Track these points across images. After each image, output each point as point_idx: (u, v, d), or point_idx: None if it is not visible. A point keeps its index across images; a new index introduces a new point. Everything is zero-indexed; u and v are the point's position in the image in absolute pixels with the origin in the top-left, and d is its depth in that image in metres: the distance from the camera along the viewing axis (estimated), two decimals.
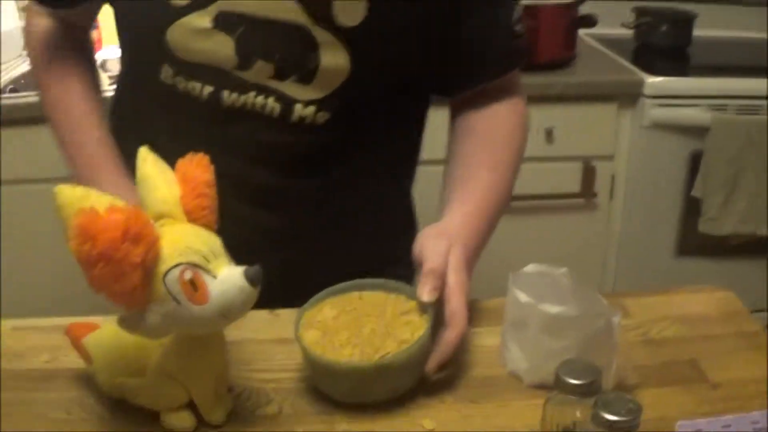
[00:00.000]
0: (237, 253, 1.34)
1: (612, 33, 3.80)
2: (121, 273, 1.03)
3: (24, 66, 3.60)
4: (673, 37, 3.77)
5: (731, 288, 1.63)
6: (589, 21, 3.53)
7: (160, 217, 1.14)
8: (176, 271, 1.08)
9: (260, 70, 1.50)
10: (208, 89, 1.52)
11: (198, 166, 1.19)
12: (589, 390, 1.07)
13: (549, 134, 3.31)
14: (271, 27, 1.47)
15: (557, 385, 1.09)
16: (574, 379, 1.07)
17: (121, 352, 1.26)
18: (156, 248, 1.07)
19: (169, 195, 1.15)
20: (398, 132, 1.73)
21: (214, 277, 1.10)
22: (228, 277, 1.11)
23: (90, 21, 1.83)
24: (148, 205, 1.15)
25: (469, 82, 1.66)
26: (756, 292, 3.34)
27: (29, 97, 3.19)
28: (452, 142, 1.69)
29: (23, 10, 3.72)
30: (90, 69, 1.77)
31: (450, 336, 1.32)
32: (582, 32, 3.72)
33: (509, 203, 1.65)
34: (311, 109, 1.52)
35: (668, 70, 3.43)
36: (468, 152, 1.64)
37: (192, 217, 1.17)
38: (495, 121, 1.66)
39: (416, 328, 1.32)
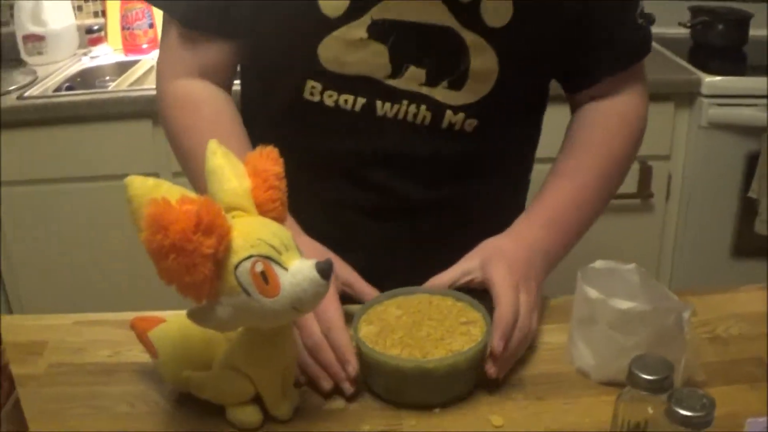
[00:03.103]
0: (370, 254, 1.46)
1: (669, 32, 3.76)
2: (193, 264, 1.03)
3: (79, 65, 3.63)
4: (729, 36, 3.74)
5: None
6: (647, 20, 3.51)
7: (230, 209, 1.15)
8: (247, 263, 1.08)
9: (412, 77, 1.51)
10: (361, 101, 1.53)
11: (268, 158, 1.19)
12: (662, 386, 1.06)
13: None
14: (422, 31, 1.48)
15: (630, 380, 1.08)
16: (648, 374, 1.06)
17: (187, 345, 1.27)
18: (228, 240, 1.07)
19: (239, 187, 1.16)
20: (525, 138, 1.76)
21: (286, 269, 1.10)
22: (299, 269, 1.11)
23: (231, 68, 1.67)
24: (218, 197, 1.16)
25: (594, 77, 1.66)
26: None
27: (86, 95, 3.22)
28: (561, 147, 1.71)
29: (78, 8, 3.76)
30: (236, 115, 1.65)
31: (500, 310, 1.33)
32: None
33: (603, 204, 1.66)
34: (461, 116, 1.54)
35: (725, 69, 3.40)
36: (560, 162, 1.66)
37: (262, 210, 1.17)
38: (594, 127, 1.67)
39: (472, 339, 1.32)
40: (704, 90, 3.25)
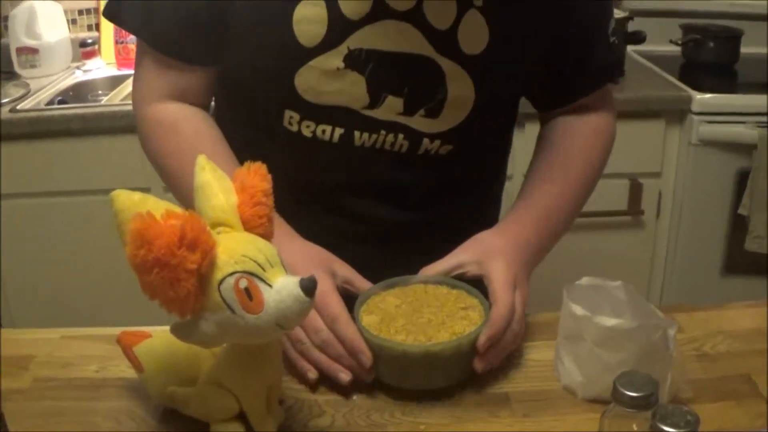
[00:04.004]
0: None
1: (660, 50, 3.78)
2: (176, 279, 1.02)
3: (72, 78, 3.63)
4: (720, 54, 3.76)
5: None
6: (638, 38, 3.52)
7: (216, 225, 1.14)
8: (231, 280, 1.07)
9: (390, 107, 1.51)
10: (339, 131, 1.53)
11: (256, 174, 1.18)
12: (647, 403, 1.06)
13: None
14: (399, 60, 1.48)
15: (615, 397, 1.08)
16: (633, 391, 1.06)
17: (173, 361, 1.26)
18: (212, 255, 1.06)
19: (226, 203, 1.15)
20: (499, 154, 1.79)
21: (270, 286, 1.09)
22: (284, 286, 1.09)
23: (208, 90, 1.65)
24: (205, 213, 1.15)
25: (567, 97, 1.69)
26: None
27: (78, 108, 3.22)
28: (534, 153, 1.73)
29: (73, 22, 3.76)
30: (216, 132, 1.62)
31: (497, 311, 1.34)
32: (630, 49, 3.73)
33: (578, 211, 1.69)
34: (437, 142, 1.56)
35: (716, 86, 3.42)
36: (541, 167, 1.68)
37: (249, 226, 1.16)
38: (573, 136, 1.69)
39: (472, 323, 1.35)
40: (695, 107, 3.26)
